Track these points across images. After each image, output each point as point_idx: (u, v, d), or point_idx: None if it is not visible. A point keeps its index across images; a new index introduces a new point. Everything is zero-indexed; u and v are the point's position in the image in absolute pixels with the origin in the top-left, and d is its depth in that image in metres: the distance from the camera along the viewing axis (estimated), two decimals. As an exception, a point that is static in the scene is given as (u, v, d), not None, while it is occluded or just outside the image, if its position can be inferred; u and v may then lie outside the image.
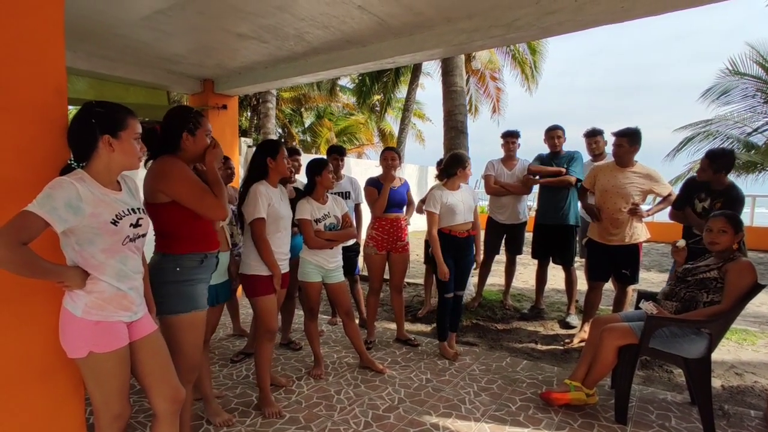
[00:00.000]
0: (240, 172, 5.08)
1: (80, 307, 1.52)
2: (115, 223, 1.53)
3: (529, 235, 4.62)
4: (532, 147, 4.52)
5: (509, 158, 4.61)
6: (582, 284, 4.06)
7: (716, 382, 3.11)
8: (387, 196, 3.64)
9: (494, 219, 4.64)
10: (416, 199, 4.14)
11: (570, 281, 4.32)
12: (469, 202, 3.45)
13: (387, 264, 3.79)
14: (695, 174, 3.35)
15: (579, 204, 4.18)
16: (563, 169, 4.19)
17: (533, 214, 5.40)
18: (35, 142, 1.61)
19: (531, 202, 11.45)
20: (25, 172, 1.58)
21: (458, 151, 3.77)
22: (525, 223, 4.66)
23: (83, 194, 1.45)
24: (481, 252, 3.60)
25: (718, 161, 3.13)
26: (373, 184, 3.76)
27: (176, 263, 1.92)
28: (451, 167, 3.44)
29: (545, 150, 4.47)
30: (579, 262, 4.44)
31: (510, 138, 4.59)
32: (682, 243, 2.89)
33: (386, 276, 3.87)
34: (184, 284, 1.93)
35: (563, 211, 4.26)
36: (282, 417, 2.58)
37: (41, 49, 1.62)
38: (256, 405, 2.70)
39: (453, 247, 3.40)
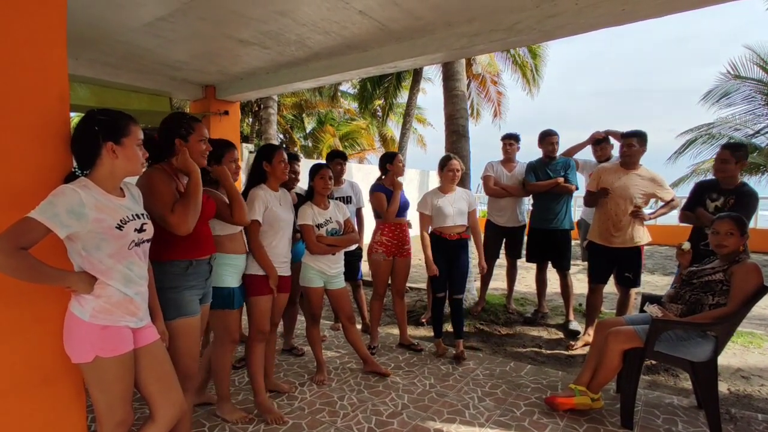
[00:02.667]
0: (242, 178, 5.09)
1: (88, 311, 1.53)
2: (120, 227, 1.55)
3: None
4: (533, 151, 4.49)
5: (508, 160, 4.60)
6: (586, 287, 4.04)
7: (723, 386, 3.08)
8: (398, 201, 3.65)
9: (493, 222, 4.60)
10: (415, 204, 4.14)
11: (566, 286, 4.29)
12: (461, 206, 3.49)
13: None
14: (702, 174, 3.34)
15: (579, 209, 4.17)
16: (560, 180, 4.18)
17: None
18: (38, 149, 1.61)
19: (529, 206, 11.49)
20: (28, 179, 1.58)
21: (446, 154, 3.78)
22: (524, 226, 4.64)
23: (86, 200, 1.47)
24: (483, 259, 3.60)
25: (740, 150, 3.12)
26: (381, 189, 3.72)
27: (160, 270, 1.92)
28: (439, 167, 3.64)
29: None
30: (582, 265, 4.42)
31: (508, 140, 4.58)
32: (687, 246, 2.87)
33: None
34: (168, 291, 1.95)
35: (559, 216, 4.25)
36: (285, 423, 2.57)
37: (44, 57, 1.63)
38: (257, 413, 2.69)
39: (443, 249, 3.53)
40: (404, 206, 3.77)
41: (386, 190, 3.70)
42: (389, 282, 3.82)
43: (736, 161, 3.10)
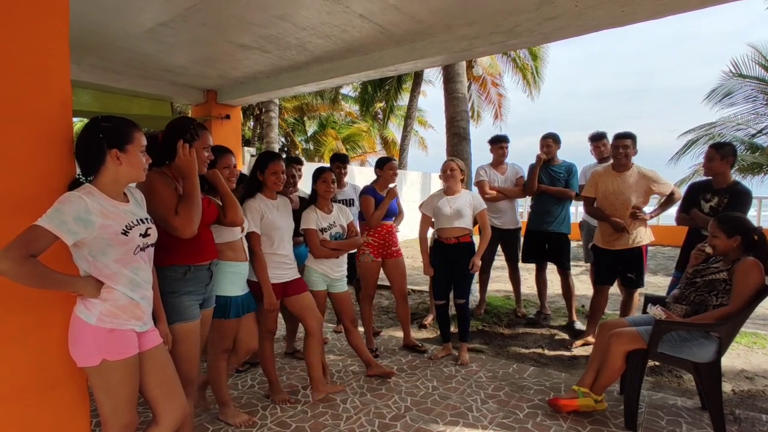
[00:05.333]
0: (244, 181, 5.09)
1: (95, 315, 1.54)
2: (125, 233, 1.57)
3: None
4: (534, 152, 4.48)
5: (499, 163, 4.60)
6: (588, 289, 4.04)
7: (727, 387, 3.07)
8: (386, 208, 3.63)
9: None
10: (408, 211, 4.13)
11: (567, 287, 4.29)
12: (461, 208, 3.43)
13: (383, 271, 3.77)
14: (701, 176, 3.35)
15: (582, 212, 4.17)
16: (572, 193, 4.22)
17: (523, 219, 5.34)
18: (41, 154, 1.62)
19: (521, 208, 11.50)
20: (32, 185, 1.59)
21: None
22: (521, 228, 4.64)
23: (92, 207, 1.48)
24: (479, 256, 3.43)
25: (725, 147, 3.15)
26: (371, 193, 3.71)
27: (158, 274, 1.92)
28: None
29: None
30: (584, 266, 4.41)
31: (501, 143, 4.56)
32: (710, 250, 2.75)
33: (386, 283, 3.84)
34: (166, 296, 1.95)
35: (557, 219, 4.26)
36: (292, 404, 2.75)
37: (47, 63, 1.64)
38: (261, 415, 2.70)
39: (442, 253, 3.52)
40: (392, 211, 3.78)
41: (376, 195, 3.69)
42: (386, 284, 3.79)
43: (721, 158, 3.12)
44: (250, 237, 2.60)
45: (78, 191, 1.51)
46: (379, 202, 3.64)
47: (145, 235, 1.65)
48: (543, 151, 4.30)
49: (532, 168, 4.35)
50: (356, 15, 2.93)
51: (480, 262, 3.48)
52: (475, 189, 4.57)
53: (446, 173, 3.50)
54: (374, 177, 3.89)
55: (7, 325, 1.57)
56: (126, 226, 1.57)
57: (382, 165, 3.76)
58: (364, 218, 3.71)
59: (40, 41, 1.63)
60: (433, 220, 3.59)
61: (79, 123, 12.65)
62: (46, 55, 1.64)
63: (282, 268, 2.75)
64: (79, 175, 1.64)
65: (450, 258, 3.47)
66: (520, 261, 4.61)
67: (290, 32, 3.23)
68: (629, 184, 3.47)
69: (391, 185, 3.75)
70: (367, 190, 3.75)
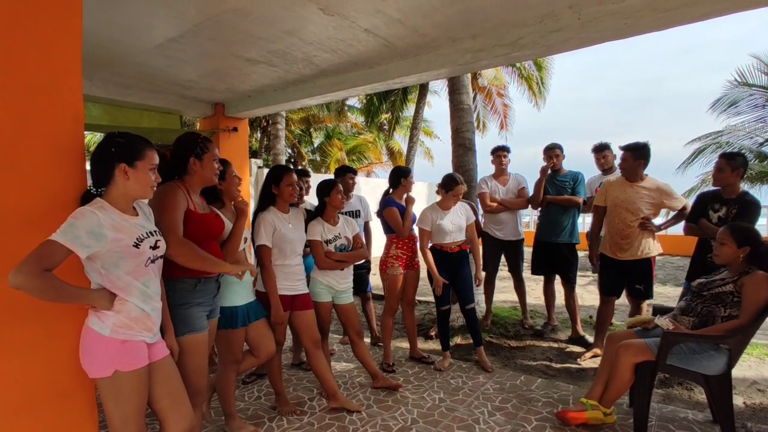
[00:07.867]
0: (251, 192, 5.13)
1: (108, 326, 1.57)
2: (137, 245, 1.61)
3: (528, 251, 4.55)
4: (540, 162, 4.50)
5: (501, 173, 4.59)
6: (596, 299, 4.01)
7: (738, 400, 3.02)
8: (412, 216, 3.66)
9: (491, 235, 4.51)
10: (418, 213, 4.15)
11: (571, 300, 4.26)
12: (460, 222, 3.55)
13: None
14: (708, 186, 3.35)
15: (589, 220, 4.16)
16: (579, 200, 4.20)
17: (528, 229, 5.34)
18: (54, 170, 1.66)
19: (527, 218, 11.47)
20: (44, 199, 1.63)
21: (452, 175, 3.67)
22: (523, 240, 4.62)
23: (104, 221, 1.53)
24: (481, 270, 3.55)
25: (736, 159, 3.12)
26: (395, 204, 3.71)
27: (169, 287, 1.95)
28: (442, 186, 3.63)
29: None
30: (592, 277, 4.38)
31: (502, 152, 4.56)
32: (664, 322, 2.62)
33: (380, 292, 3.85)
34: (177, 308, 1.98)
35: (566, 229, 4.25)
36: (298, 415, 2.76)
37: (60, 80, 1.69)
38: (268, 427, 2.69)
39: (446, 261, 3.56)
40: (414, 220, 3.79)
41: (398, 205, 3.70)
42: (400, 297, 3.78)
43: (732, 169, 3.11)
44: (261, 250, 2.64)
45: (90, 206, 1.55)
46: (401, 212, 3.65)
47: (155, 247, 1.69)
48: (550, 162, 4.30)
49: (538, 182, 4.36)
50: (362, 30, 2.97)
51: (483, 276, 3.51)
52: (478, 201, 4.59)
53: (455, 198, 3.54)
54: (381, 186, 3.91)
55: (18, 337, 1.59)
56: (137, 238, 1.61)
57: (407, 174, 3.79)
58: (392, 230, 3.70)
59: (55, 60, 1.67)
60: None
61: (89, 136, 12.84)
62: (60, 73, 1.68)
63: (291, 280, 2.77)
64: (90, 187, 1.68)
65: (452, 264, 3.55)
66: (530, 272, 4.59)
67: (297, 47, 3.29)
68: (641, 194, 3.45)
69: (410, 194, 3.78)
70: (390, 202, 3.71)
